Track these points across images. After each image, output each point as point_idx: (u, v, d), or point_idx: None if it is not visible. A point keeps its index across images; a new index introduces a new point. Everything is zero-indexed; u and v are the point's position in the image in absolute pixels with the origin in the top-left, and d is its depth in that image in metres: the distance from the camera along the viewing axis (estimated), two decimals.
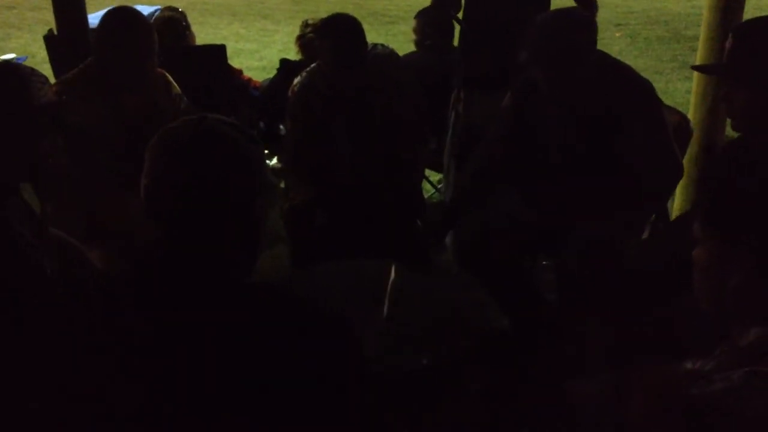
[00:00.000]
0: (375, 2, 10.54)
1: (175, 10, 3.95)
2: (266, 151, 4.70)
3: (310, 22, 3.83)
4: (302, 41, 3.88)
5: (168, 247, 1.18)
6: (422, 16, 3.98)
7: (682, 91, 6.13)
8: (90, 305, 1.23)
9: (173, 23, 3.73)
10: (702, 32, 3.31)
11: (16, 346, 1.32)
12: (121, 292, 1.20)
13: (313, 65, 2.99)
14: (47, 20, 8.93)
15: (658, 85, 2.42)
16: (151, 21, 3.89)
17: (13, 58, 4.76)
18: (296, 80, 2.98)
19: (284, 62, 3.79)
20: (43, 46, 3.93)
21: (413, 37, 4.04)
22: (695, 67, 2.40)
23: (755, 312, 1.19)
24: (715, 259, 1.23)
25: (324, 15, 2.99)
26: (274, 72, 3.95)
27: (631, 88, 2.38)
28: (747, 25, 2.00)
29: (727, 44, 1.82)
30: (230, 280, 1.19)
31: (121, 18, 2.54)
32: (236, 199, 1.18)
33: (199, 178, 1.15)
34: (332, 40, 2.76)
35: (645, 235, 2.51)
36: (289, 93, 2.98)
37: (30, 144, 1.65)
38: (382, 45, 3.37)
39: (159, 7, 4.87)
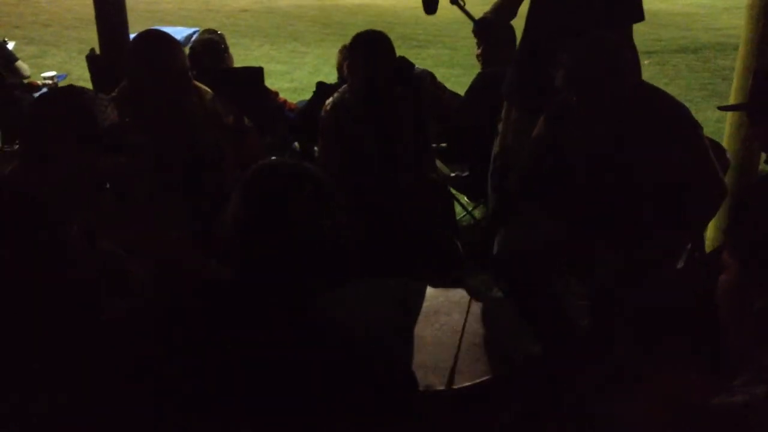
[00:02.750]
0: (404, 27, 10.64)
1: (214, 32, 4.02)
2: None
3: None
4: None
5: (242, 276, 1.25)
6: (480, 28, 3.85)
7: (712, 120, 6.09)
8: (136, 314, 1.27)
9: (212, 45, 3.80)
10: (737, 65, 3.32)
11: (70, 345, 1.37)
12: (182, 309, 1.25)
13: (344, 85, 3.04)
14: (83, 38, 9.16)
15: None
16: (191, 42, 3.99)
17: (54, 76, 4.87)
18: (328, 100, 3.04)
19: (320, 85, 3.85)
20: (80, 64, 4.03)
21: (476, 51, 3.94)
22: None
23: None
24: (739, 282, 1.25)
25: None
26: (305, 93, 4.00)
27: (666, 112, 2.39)
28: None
29: (750, 84, 1.84)
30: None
31: (150, 40, 2.63)
32: (313, 239, 1.26)
33: (281, 218, 1.24)
34: (363, 52, 2.82)
35: (680, 265, 2.50)
36: (322, 112, 3.03)
37: (94, 163, 1.72)
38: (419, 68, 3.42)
39: (197, 29, 4.98)
